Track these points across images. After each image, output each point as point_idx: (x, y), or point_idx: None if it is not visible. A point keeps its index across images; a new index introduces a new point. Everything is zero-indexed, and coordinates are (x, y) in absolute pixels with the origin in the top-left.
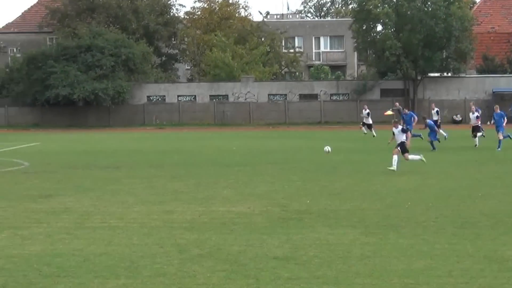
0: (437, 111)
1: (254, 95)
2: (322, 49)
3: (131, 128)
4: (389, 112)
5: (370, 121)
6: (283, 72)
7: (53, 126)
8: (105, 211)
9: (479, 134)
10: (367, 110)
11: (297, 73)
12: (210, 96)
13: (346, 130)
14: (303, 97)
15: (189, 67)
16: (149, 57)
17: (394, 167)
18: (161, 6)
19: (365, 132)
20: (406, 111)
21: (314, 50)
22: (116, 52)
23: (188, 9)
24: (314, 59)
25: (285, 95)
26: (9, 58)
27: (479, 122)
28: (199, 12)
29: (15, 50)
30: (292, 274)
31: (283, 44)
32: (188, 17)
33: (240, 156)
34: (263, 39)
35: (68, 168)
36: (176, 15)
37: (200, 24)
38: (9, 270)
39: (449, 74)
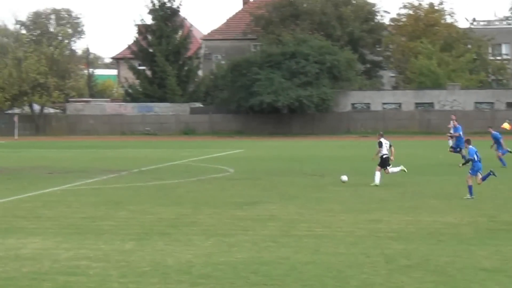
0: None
1: (460, 103)
2: None
3: (335, 136)
4: (506, 125)
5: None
6: (489, 79)
7: (257, 133)
8: (310, 219)
9: None
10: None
11: (504, 81)
12: (415, 104)
13: None
14: (510, 105)
15: (393, 75)
16: (354, 64)
17: (376, 182)
18: (366, 13)
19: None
20: (456, 123)
21: None
22: (321, 59)
23: (393, 15)
24: None
25: (492, 103)
26: (214, 65)
27: None
28: (404, 19)
29: (219, 57)
30: (502, 287)
31: (490, 51)
32: (393, 24)
33: (446, 165)
34: (469, 46)
35: (272, 175)
36: (381, 21)
37: (405, 31)
38: (216, 278)
39: None
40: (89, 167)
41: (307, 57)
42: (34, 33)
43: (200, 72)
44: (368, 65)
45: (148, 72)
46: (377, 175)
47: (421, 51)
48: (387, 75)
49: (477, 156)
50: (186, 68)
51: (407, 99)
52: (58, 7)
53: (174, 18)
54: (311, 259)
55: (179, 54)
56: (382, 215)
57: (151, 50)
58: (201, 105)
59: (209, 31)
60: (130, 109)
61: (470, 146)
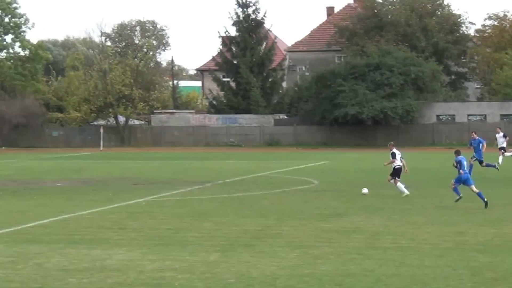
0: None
1: None
2: None
3: (420, 147)
4: None
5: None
6: None
7: (341, 145)
8: (395, 231)
9: None
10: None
11: None
12: (501, 115)
13: None
14: None
15: (479, 86)
16: (439, 76)
17: (406, 192)
18: (451, 24)
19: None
20: (475, 135)
21: None
22: (405, 71)
23: (478, 27)
24: None
25: None
26: (298, 77)
27: None
28: (489, 30)
29: (303, 68)
30: None
31: None
32: (478, 35)
33: None
34: None
35: (357, 187)
36: (466, 33)
37: (491, 42)
38: None
39: None
40: (173, 179)
41: (392, 68)
42: (119, 45)
43: (284, 84)
44: (453, 77)
45: (233, 84)
46: (400, 185)
47: (507, 62)
48: (472, 87)
49: (461, 165)
50: (270, 79)
51: (493, 110)
52: (143, 19)
53: (259, 30)
54: (396, 272)
55: (263, 65)
56: (467, 227)
57: (235, 62)
58: (286, 117)
59: (293, 42)
60: (214, 120)
61: (460, 157)
